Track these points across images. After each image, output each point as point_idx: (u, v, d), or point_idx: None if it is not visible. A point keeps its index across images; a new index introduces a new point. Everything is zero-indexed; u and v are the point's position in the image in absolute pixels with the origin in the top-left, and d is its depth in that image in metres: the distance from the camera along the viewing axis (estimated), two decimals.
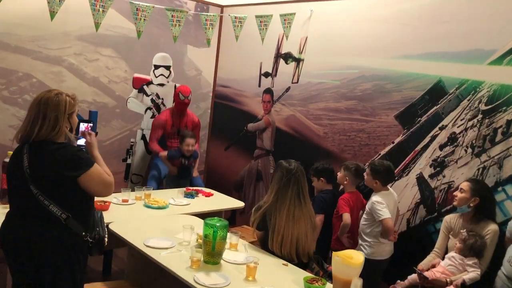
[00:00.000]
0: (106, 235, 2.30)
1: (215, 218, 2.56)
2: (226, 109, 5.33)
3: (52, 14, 3.44)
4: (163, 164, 4.54)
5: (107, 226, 2.86)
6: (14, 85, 4.09)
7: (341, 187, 3.70)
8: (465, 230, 2.86)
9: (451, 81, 3.37)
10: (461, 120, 3.30)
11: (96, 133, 2.49)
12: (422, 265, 2.99)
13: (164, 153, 4.44)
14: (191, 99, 4.64)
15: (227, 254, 2.58)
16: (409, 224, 3.54)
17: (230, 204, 3.91)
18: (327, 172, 3.70)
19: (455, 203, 2.94)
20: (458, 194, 2.92)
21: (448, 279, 2.73)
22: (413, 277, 2.90)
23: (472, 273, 2.71)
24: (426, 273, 2.81)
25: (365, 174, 3.38)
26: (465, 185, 2.91)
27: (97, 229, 2.27)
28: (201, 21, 4.36)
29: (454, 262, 2.80)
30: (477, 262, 2.75)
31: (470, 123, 3.24)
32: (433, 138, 3.46)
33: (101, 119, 4.52)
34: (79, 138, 2.48)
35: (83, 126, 2.59)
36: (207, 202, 3.84)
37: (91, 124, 2.65)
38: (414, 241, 3.48)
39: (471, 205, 2.85)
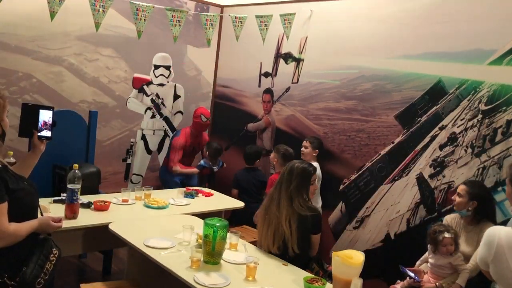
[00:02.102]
0: (47, 274, 1.95)
1: (215, 218, 2.56)
2: (226, 109, 5.33)
3: (52, 14, 3.44)
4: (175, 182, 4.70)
5: (107, 225, 2.88)
6: (14, 85, 4.09)
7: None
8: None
9: (451, 81, 3.36)
10: (461, 120, 3.30)
11: (55, 123, 2.17)
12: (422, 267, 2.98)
13: (195, 169, 4.73)
14: (209, 121, 4.88)
15: (227, 254, 2.58)
16: (409, 224, 3.54)
17: (230, 204, 3.91)
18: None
19: (454, 207, 2.92)
20: (456, 198, 2.89)
21: (437, 283, 2.71)
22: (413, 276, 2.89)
23: (463, 274, 2.68)
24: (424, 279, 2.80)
25: (272, 153, 4.16)
26: (462, 189, 2.86)
27: (24, 269, 1.88)
28: (201, 21, 4.36)
29: (442, 268, 2.76)
30: (462, 258, 2.71)
31: (470, 123, 3.24)
32: (433, 138, 3.46)
33: (101, 119, 4.52)
34: (41, 130, 2.14)
35: (45, 116, 2.16)
36: (207, 202, 3.84)
37: (51, 115, 2.18)
38: (414, 241, 3.48)
39: (470, 209, 2.85)
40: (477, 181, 3.09)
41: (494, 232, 1.92)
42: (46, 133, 2.14)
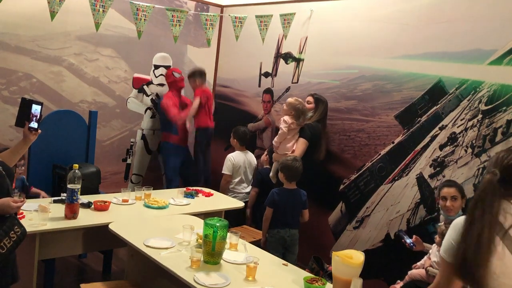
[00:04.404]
0: (4, 248, 2.11)
1: (215, 218, 2.56)
2: (226, 109, 5.33)
3: (52, 14, 3.45)
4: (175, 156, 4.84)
5: (107, 225, 2.88)
6: (14, 85, 4.09)
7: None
8: (443, 223, 2.82)
9: (451, 81, 3.37)
10: (461, 120, 3.30)
11: (42, 117, 2.45)
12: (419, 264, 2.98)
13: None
14: (184, 76, 4.85)
15: (227, 254, 2.58)
16: (409, 224, 3.54)
17: (230, 204, 3.91)
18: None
19: (451, 213, 2.79)
20: (451, 203, 2.78)
21: (426, 268, 2.73)
22: (412, 273, 2.90)
23: None
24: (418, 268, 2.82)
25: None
26: (454, 192, 2.78)
27: None
28: (201, 21, 4.36)
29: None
30: None
31: (470, 123, 3.24)
32: (433, 138, 3.46)
33: (101, 119, 4.52)
34: (31, 122, 2.39)
35: (35, 110, 2.41)
36: (207, 202, 3.84)
37: (39, 110, 2.44)
38: None
39: (463, 206, 2.83)
40: (453, 180, 3.07)
41: (461, 218, 1.67)
42: (34, 124, 2.40)
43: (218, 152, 5.40)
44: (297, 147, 3.87)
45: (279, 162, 3.65)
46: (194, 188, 4.13)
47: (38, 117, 2.41)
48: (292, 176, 3.48)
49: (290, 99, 3.91)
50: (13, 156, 2.38)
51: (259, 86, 4.95)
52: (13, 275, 2.25)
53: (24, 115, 2.39)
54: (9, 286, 2.24)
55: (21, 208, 2.87)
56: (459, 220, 1.65)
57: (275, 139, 3.98)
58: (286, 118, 3.89)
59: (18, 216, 2.77)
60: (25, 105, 2.42)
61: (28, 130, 2.36)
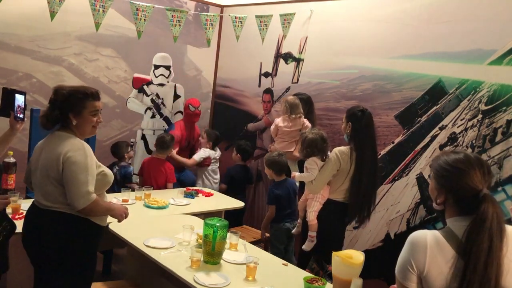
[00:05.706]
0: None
1: (215, 218, 2.56)
2: (226, 109, 5.32)
3: (52, 14, 3.45)
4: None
5: (107, 225, 2.88)
6: (14, 85, 4.09)
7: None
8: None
9: (451, 81, 3.37)
10: (461, 120, 3.30)
11: (26, 106, 2.47)
12: None
13: (190, 161, 4.64)
14: (201, 110, 4.83)
15: (227, 254, 2.58)
16: (409, 224, 3.54)
17: (230, 204, 3.91)
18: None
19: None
20: None
21: None
22: None
23: None
24: None
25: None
26: None
27: None
28: (201, 21, 4.36)
29: None
30: None
31: (470, 123, 3.24)
32: (433, 138, 3.46)
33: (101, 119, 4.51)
34: (17, 112, 2.43)
35: (20, 100, 2.46)
36: (207, 202, 3.84)
37: (23, 100, 2.46)
38: None
39: None
40: None
41: (420, 235, 1.64)
42: (20, 115, 2.45)
43: None
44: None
45: (264, 160, 3.78)
46: (194, 188, 4.13)
47: (23, 107, 2.45)
48: (281, 169, 3.70)
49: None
50: (1, 146, 2.45)
51: (259, 86, 4.95)
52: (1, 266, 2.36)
53: (8, 105, 2.43)
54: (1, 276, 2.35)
55: (21, 208, 2.90)
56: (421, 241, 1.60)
57: (275, 145, 4.10)
58: (277, 120, 4.08)
59: (18, 216, 2.80)
60: (8, 95, 2.44)
61: (14, 120, 2.41)
